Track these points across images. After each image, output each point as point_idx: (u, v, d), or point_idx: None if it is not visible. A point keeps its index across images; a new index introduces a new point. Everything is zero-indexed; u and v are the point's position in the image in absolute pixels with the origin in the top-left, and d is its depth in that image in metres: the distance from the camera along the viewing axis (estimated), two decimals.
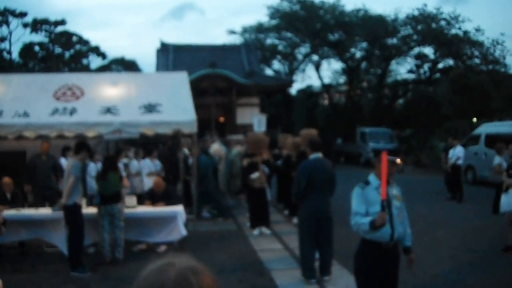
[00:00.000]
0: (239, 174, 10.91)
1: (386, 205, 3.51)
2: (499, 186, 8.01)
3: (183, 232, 7.21)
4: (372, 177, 3.77)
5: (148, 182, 9.28)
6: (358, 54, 32.71)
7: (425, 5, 30.80)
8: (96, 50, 35.64)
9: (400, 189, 3.95)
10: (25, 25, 31.84)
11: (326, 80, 35.81)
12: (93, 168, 8.47)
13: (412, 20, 28.57)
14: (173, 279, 1.05)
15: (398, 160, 3.75)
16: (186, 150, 10.63)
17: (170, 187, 8.38)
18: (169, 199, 7.73)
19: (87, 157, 7.06)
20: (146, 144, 11.53)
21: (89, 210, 7.21)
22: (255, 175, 8.64)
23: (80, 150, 6.56)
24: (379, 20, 29.42)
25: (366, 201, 3.65)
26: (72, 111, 6.99)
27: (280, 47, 34.06)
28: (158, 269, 1.08)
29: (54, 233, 6.95)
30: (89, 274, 6.32)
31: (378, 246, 3.65)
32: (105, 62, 38.14)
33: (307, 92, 37.34)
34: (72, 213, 6.42)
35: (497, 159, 9.33)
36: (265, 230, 8.81)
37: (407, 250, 3.88)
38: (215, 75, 20.54)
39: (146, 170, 9.63)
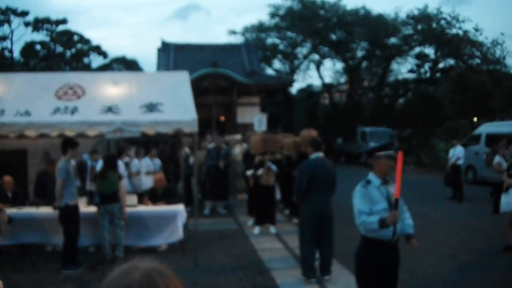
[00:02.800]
0: (242, 173, 10.94)
1: (397, 203, 3.50)
2: (498, 185, 8.03)
3: (180, 234, 7.21)
4: (372, 176, 3.79)
5: (146, 181, 9.28)
6: (359, 54, 32.72)
7: (427, 5, 30.85)
8: (97, 49, 35.63)
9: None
10: (26, 24, 31.83)
11: (327, 80, 35.87)
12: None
13: (413, 19, 28.58)
14: (138, 280, 1.04)
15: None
16: (187, 149, 10.67)
17: (171, 186, 8.39)
18: (170, 198, 7.75)
19: (76, 153, 7.04)
20: (146, 143, 11.55)
21: (90, 209, 7.23)
22: (259, 172, 8.70)
23: (66, 149, 6.55)
24: (380, 19, 29.42)
25: (370, 200, 3.67)
26: (74, 110, 6.99)
27: (281, 47, 34.03)
28: (123, 272, 1.08)
29: (55, 233, 6.96)
30: (80, 270, 6.36)
31: (381, 244, 3.66)
32: (106, 61, 38.13)
33: (307, 92, 37.29)
34: (63, 215, 6.46)
35: (497, 158, 9.41)
36: (271, 228, 8.84)
37: (409, 237, 3.81)
38: (216, 74, 20.52)
39: (144, 169, 9.65)
